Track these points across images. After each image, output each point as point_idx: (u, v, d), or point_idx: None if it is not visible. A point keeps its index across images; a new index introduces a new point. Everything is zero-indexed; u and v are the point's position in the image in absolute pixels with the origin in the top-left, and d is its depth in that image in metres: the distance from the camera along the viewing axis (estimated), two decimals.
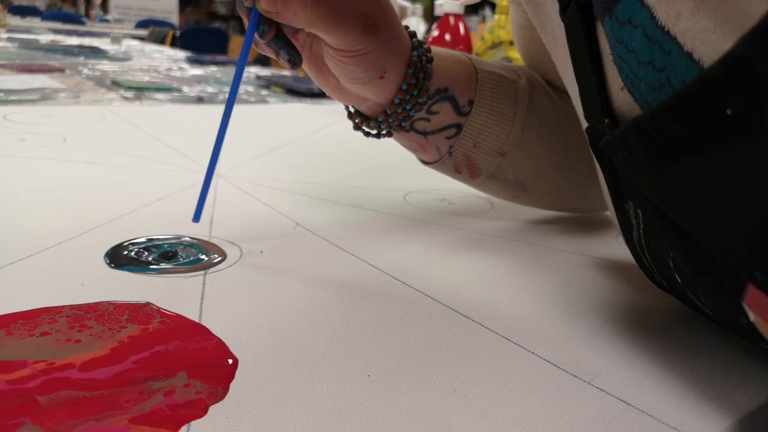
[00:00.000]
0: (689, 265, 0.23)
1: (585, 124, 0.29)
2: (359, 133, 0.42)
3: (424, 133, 0.38)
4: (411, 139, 0.38)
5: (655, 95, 0.23)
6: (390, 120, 0.36)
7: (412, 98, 0.35)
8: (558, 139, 0.40)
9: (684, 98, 0.19)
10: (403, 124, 0.37)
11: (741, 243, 0.20)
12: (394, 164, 0.45)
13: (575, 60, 0.28)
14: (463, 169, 0.39)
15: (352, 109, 0.38)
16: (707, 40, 0.20)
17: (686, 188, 0.21)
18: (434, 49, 0.37)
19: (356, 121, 0.38)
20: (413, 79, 0.35)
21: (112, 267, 0.31)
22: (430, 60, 0.36)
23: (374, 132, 0.38)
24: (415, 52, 0.35)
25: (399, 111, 0.35)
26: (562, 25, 0.29)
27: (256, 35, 0.31)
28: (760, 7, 0.18)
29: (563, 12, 0.28)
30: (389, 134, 0.38)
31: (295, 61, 0.33)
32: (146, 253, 0.32)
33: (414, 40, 0.35)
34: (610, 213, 0.30)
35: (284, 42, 0.32)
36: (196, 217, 0.32)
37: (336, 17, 0.30)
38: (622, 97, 0.25)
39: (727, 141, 0.18)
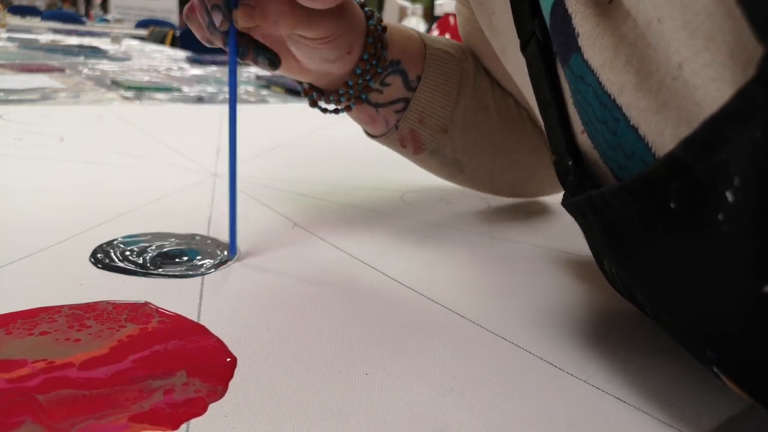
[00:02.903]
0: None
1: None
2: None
3: (376, 106, 0.38)
4: (363, 111, 0.39)
5: (612, 153, 0.23)
6: (350, 92, 0.37)
7: (372, 68, 0.36)
8: (493, 124, 0.41)
9: (630, 190, 0.19)
10: (362, 96, 0.37)
11: (691, 322, 0.20)
12: (391, 164, 0.45)
13: (538, 96, 0.28)
14: (408, 143, 0.40)
15: (306, 86, 0.38)
16: (650, 120, 0.21)
17: (637, 265, 0.22)
18: (385, 20, 0.37)
19: (313, 96, 0.38)
20: (373, 49, 0.35)
21: (99, 268, 0.31)
22: (385, 29, 0.36)
23: (332, 108, 0.38)
24: (371, 21, 0.36)
25: (359, 82, 0.36)
26: (519, 40, 0.29)
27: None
28: (694, 107, 0.18)
29: (524, 48, 0.28)
30: (348, 108, 0.38)
31: (274, 63, 0.32)
32: (141, 256, 0.33)
33: (366, 9, 0.36)
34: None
35: (259, 47, 0.32)
36: (233, 251, 0.33)
37: (311, 13, 0.30)
38: (583, 140, 0.25)
39: (672, 229, 0.18)
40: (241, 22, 0.30)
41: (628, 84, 0.21)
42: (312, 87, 0.38)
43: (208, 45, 0.32)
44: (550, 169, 0.28)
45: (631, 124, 0.21)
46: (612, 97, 0.22)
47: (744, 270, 0.16)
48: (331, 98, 0.37)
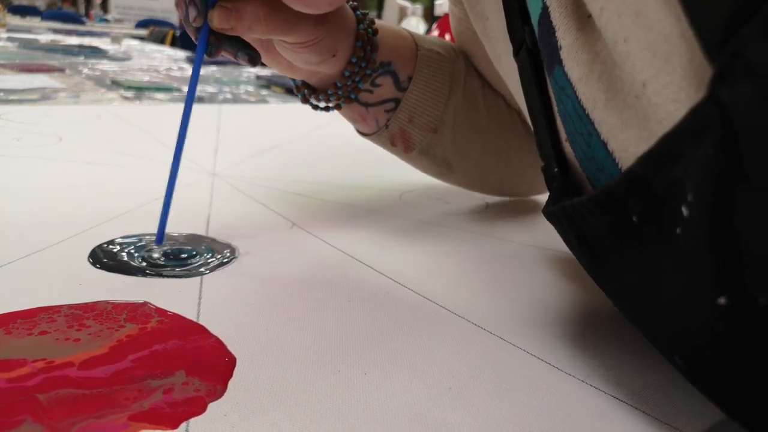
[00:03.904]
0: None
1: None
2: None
3: (366, 105, 0.39)
4: (353, 110, 0.39)
5: (588, 164, 0.23)
6: (339, 92, 0.37)
7: (361, 70, 0.36)
8: (483, 125, 0.41)
9: (598, 203, 0.20)
10: (352, 95, 0.37)
11: (660, 328, 0.20)
12: (389, 164, 0.45)
13: (528, 102, 0.28)
14: (398, 142, 0.41)
15: (298, 83, 0.38)
16: (617, 137, 0.21)
17: (608, 275, 0.22)
18: (377, 21, 0.38)
19: (304, 93, 0.38)
20: (362, 52, 0.35)
21: (98, 268, 0.31)
22: (376, 32, 0.37)
23: (322, 105, 0.39)
24: (361, 25, 0.36)
25: (348, 83, 0.36)
26: (509, 43, 0.29)
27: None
28: (656, 126, 0.18)
29: (516, 54, 0.28)
30: (337, 107, 0.39)
31: (254, 59, 0.33)
32: (141, 256, 0.33)
33: (358, 12, 0.36)
34: None
35: (239, 43, 0.32)
36: (159, 239, 0.33)
37: (290, 19, 0.30)
38: (566, 148, 0.26)
39: (636, 242, 0.19)
40: (216, 22, 0.30)
41: (599, 100, 0.22)
42: (304, 84, 0.38)
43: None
44: (539, 169, 0.28)
45: (602, 139, 0.22)
46: (586, 112, 0.22)
47: (703, 283, 0.17)
48: (321, 97, 0.38)
